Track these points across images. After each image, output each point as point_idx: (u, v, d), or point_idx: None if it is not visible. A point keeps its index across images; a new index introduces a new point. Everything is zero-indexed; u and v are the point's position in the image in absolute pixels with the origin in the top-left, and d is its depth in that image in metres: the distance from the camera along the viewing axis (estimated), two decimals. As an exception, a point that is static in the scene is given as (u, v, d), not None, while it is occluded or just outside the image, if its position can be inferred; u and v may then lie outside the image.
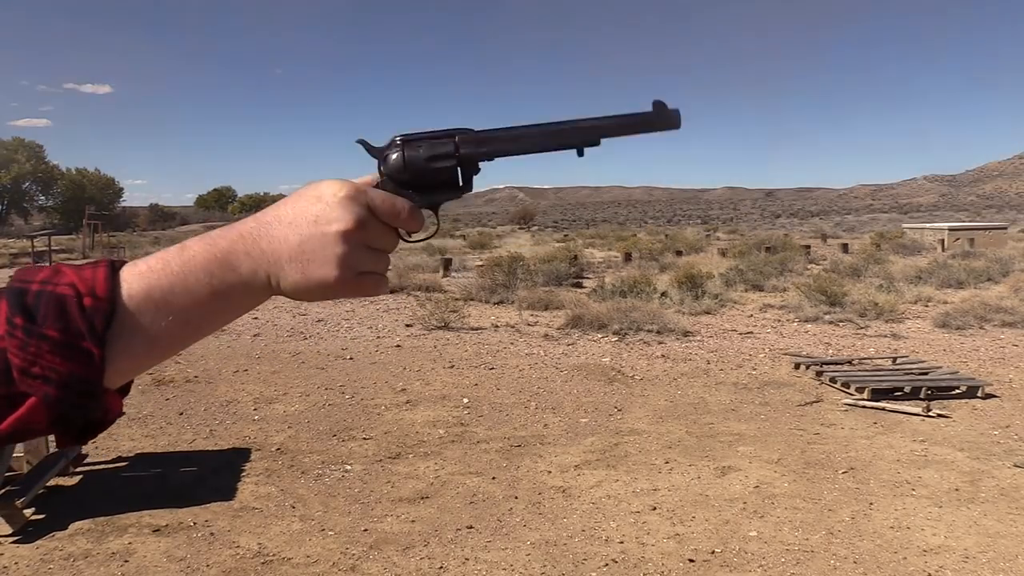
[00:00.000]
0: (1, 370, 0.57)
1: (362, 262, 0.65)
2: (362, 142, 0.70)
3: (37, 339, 0.57)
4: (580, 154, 0.72)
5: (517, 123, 0.71)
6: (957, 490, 4.69)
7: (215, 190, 64.83)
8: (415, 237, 0.70)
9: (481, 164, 0.71)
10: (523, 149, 0.71)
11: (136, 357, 0.61)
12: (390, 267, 0.68)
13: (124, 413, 0.65)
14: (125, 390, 0.65)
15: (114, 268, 0.62)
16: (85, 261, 0.64)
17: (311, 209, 0.63)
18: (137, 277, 0.61)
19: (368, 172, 0.71)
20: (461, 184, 0.71)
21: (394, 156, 0.69)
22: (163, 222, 51.16)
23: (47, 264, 0.64)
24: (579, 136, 0.72)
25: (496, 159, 0.71)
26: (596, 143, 0.72)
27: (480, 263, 16.96)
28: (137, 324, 0.60)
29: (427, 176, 0.69)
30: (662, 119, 0.72)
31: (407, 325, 10.65)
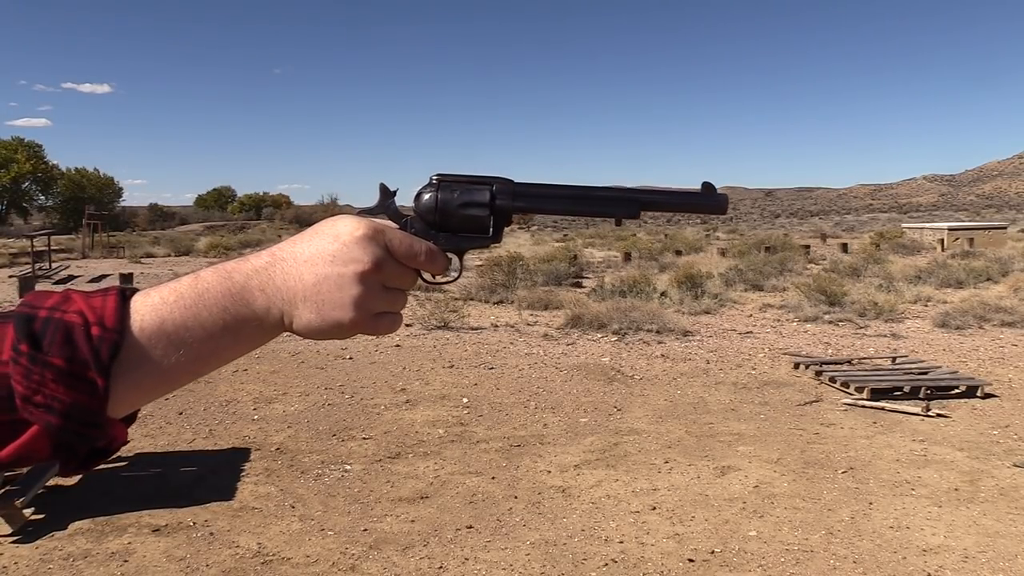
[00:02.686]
0: (4, 397, 0.56)
1: (378, 303, 0.64)
2: (382, 187, 0.69)
3: (42, 367, 0.56)
4: (618, 224, 0.71)
5: (556, 180, 0.69)
6: (957, 490, 4.69)
7: (215, 190, 64.79)
8: (437, 279, 0.69)
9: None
10: (560, 210, 0.69)
11: (143, 389, 0.61)
12: (407, 305, 0.67)
13: (128, 442, 0.64)
14: (131, 419, 0.64)
15: (124, 297, 0.61)
16: (95, 288, 0.63)
17: (328, 248, 0.62)
18: (150, 310, 0.60)
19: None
20: (491, 234, 0.69)
21: (427, 196, 0.67)
22: (163, 222, 51.14)
23: (56, 290, 0.63)
24: (621, 208, 0.69)
25: (531, 215, 0.69)
26: (636, 216, 0.69)
27: (480, 263, 16.97)
28: (147, 357, 0.59)
29: (456, 221, 0.67)
30: (709, 203, 0.70)
31: (407, 325, 10.65)
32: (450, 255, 0.69)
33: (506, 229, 0.70)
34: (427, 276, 0.69)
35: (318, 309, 0.62)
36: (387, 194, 0.69)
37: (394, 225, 0.67)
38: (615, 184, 0.72)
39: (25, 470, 4.57)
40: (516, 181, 0.69)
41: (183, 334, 0.60)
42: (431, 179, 0.68)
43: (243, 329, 0.62)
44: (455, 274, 0.69)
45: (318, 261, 0.62)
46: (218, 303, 0.61)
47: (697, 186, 0.70)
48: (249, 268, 0.63)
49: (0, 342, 0.57)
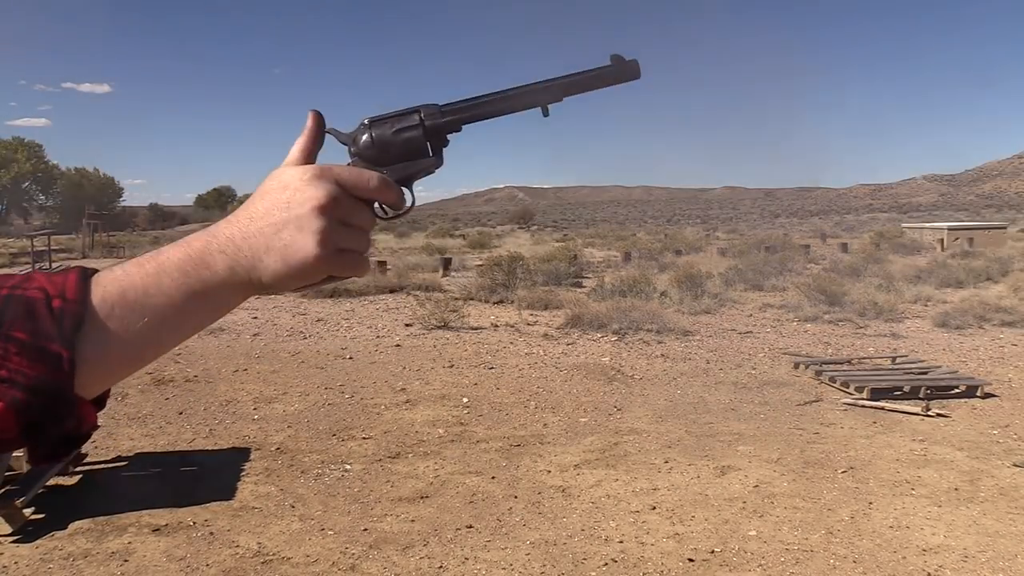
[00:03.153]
0: None
1: (340, 238, 0.64)
2: (331, 131, 0.70)
3: (4, 341, 0.55)
4: (545, 113, 0.73)
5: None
6: (956, 489, 4.69)
7: (215, 190, 64.78)
8: (392, 212, 0.70)
9: (452, 137, 0.71)
10: (487, 113, 0.71)
11: (110, 362, 0.60)
12: (371, 248, 0.68)
13: (99, 426, 0.64)
14: (101, 403, 0.64)
15: (85, 274, 0.61)
16: (57, 268, 0.63)
17: (281, 197, 0.63)
18: (111, 281, 0.60)
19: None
20: (431, 155, 0.71)
21: (363, 137, 0.70)
22: (163, 222, 51.14)
23: (30, 270, 0.63)
24: (543, 96, 0.72)
25: (464, 127, 0.71)
26: (559, 100, 0.72)
27: (480, 263, 16.97)
28: (110, 327, 0.59)
29: (395, 149, 0.69)
30: (622, 71, 0.73)
31: (407, 325, 10.65)
32: (400, 185, 0.70)
33: (445, 150, 0.72)
34: (382, 212, 0.69)
35: (283, 256, 0.62)
36: (344, 134, 0.71)
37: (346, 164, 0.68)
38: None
39: (25, 470, 4.57)
40: (442, 103, 0.71)
41: (145, 301, 0.60)
42: (362, 122, 0.70)
43: (207, 292, 0.62)
44: (408, 202, 0.70)
45: (274, 211, 0.62)
46: (179, 268, 0.61)
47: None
48: (207, 235, 0.63)
49: None
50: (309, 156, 0.68)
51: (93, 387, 0.60)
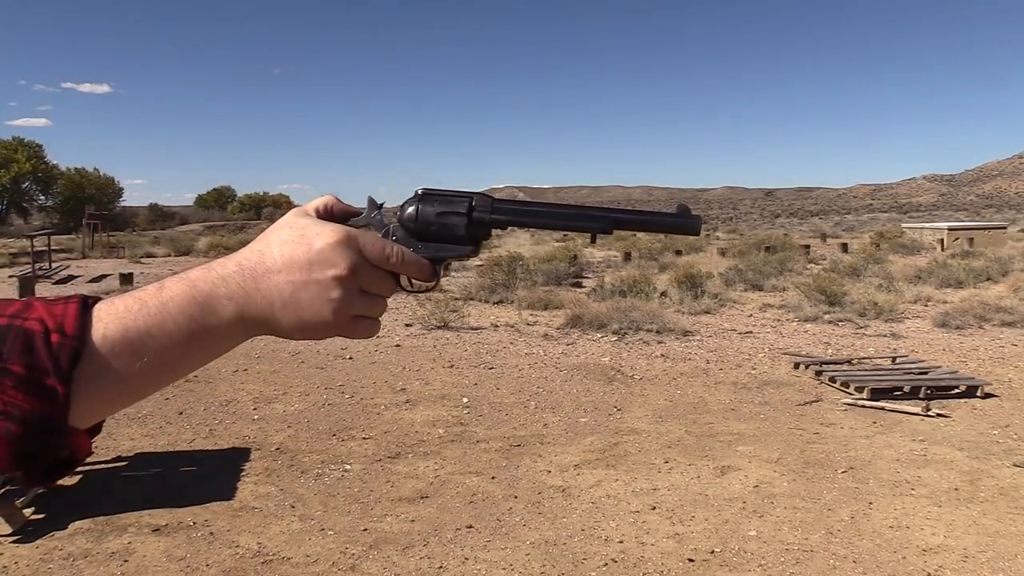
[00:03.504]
0: None
1: (356, 306, 0.65)
2: (370, 199, 0.71)
3: (0, 374, 0.56)
4: (593, 240, 0.74)
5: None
6: (956, 489, 4.69)
7: (215, 190, 64.74)
8: (418, 286, 0.71)
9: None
10: (536, 225, 0.71)
11: (106, 397, 0.60)
12: (386, 310, 0.68)
13: (93, 452, 0.64)
14: (96, 430, 0.64)
15: (86, 305, 0.61)
16: (57, 297, 0.63)
17: (302, 255, 0.63)
18: (113, 318, 0.60)
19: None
20: (468, 244, 0.71)
21: (410, 208, 0.70)
22: (163, 222, 51.10)
23: (31, 298, 0.63)
24: (594, 224, 0.72)
25: (509, 228, 0.71)
26: (609, 232, 0.72)
27: (480, 263, 16.97)
28: (109, 365, 0.59)
29: (434, 229, 0.70)
30: (683, 224, 0.72)
31: (407, 325, 10.65)
32: (430, 263, 0.70)
33: (484, 243, 0.72)
34: (406, 283, 0.70)
35: (297, 314, 0.63)
36: (374, 206, 0.71)
37: (375, 234, 0.69)
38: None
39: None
40: (496, 197, 0.72)
41: (147, 342, 0.60)
42: (416, 192, 0.71)
43: (209, 337, 0.62)
44: (433, 284, 0.71)
45: (293, 268, 0.63)
46: (183, 311, 0.61)
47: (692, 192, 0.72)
48: (215, 277, 0.63)
49: None
50: (332, 215, 0.68)
51: (87, 419, 0.61)
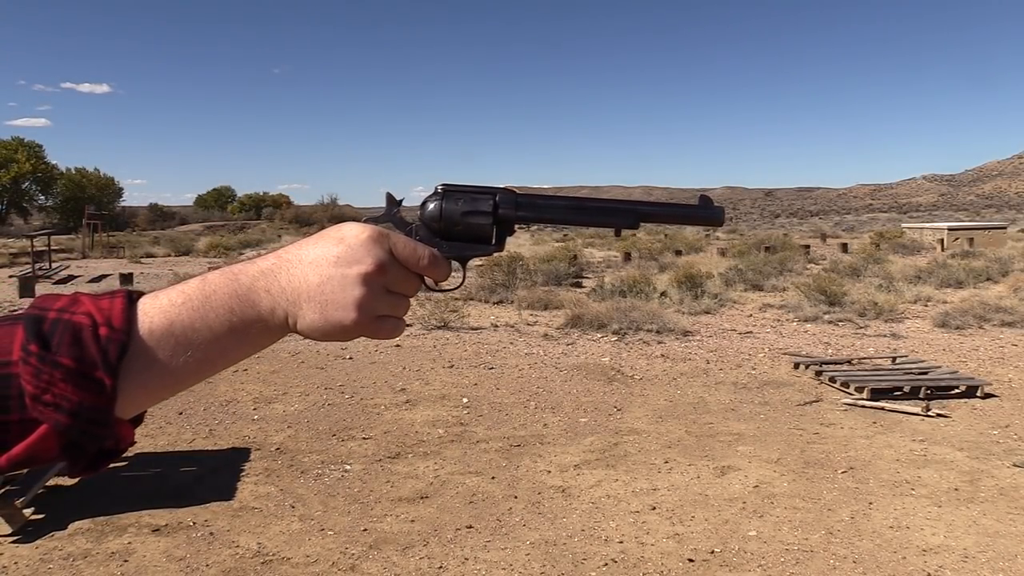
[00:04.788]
0: (14, 396, 0.57)
1: (381, 306, 0.65)
2: (389, 196, 0.71)
3: (51, 367, 0.57)
4: (617, 234, 0.75)
5: (559, 191, 0.71)
6: (956, 490, 4.69)
7: (214, 190, 64.75)
8: (441, 286, 0.70)
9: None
10: (561, 220, 0.71)
11: (150, 390, 0.62)
12: (409, 310, 0.68)
13: (136, 442, 0.65)
14: (138, 420, 0.65)
15: (131, 299, 0.62)
16: (103, 292, 0.64)
17: (333, 250, 0.63)
18: (159, 312, 0.61)
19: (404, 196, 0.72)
20: (494, 243, 0.70)
21: (432, 205, 0.69)
22: (163, 221, 51.11)
23: (65, 292, 0.64)
24: (619, 218, 0.72)
25: (533, 225, 0.71)
26: (635, 227, 0.72)
27: (480, 263, 16.97)
28: (155, 358, 0.61)
29: (460, 229, 0.69)
30: (706, 215, 0.73)
31: (407, 325, 10.64)
32: (453, 262, 0.70)
33: (509, 238, 0.72)
34: (430, 282, 0.70)
35: (322, 310, 0.63)
36: (393, 203, 0.71)
37: (405, 236, 0.68)
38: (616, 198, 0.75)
39: (26, 470, 4.57)
40: (519, 192, 0.71)
41: (191, 335, 0.61)
42: (436, 188, 0.70)
43: (249, 330, 0.63)
44: (458, 281, 0.71)
45: (323, 263, 0.63)
46: (225, 305, 0.62)
47: (696, 190, 0.72)
48: (255, 270, 0.64)
49: (10, 343, 0.58)
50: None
51: (132, 410, 0.62)
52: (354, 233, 0.64)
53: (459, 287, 0.72)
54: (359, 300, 0.63)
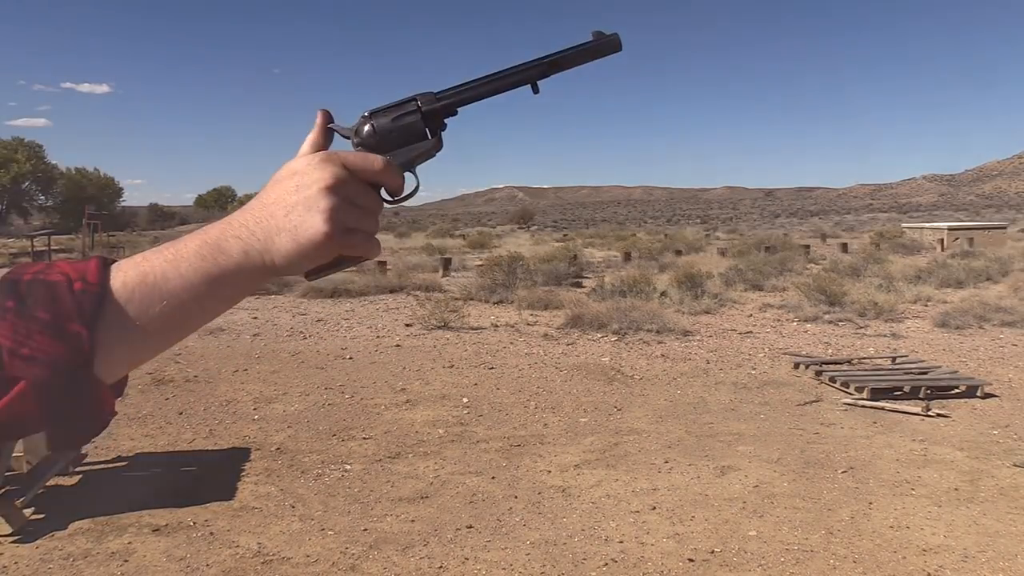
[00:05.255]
0: None
1: (349, 217, 0.65)
2: (336, 127, 0.73)
3: (27, 320, 0.58)
4: (535, 90, 0.76)
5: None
6: (956, 489, 4.69)
7: (214, 190, 64.85)
8: (397, 196, 0.72)
9: (450, 125, 0.75)
10: (480, 95, 0.74)
11: (129, 344, 0.62)
12: (378, 229, 0.70)
13: (117, 413, 0.65)
14: (119, 390, 0.66)
15: (106, 262, 0.64)
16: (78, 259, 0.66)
17: (290, 183, 0.65)
18: (132, 265, 0.63)
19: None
20: (430, 137, 0.74)
21: (365, 127, 0.73)
22: (162, 222, 51.11)
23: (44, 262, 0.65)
24: (530, 73, 0.75)
25: (459, 109, 0.74)
26: (547, 75, 0.75)
27: (480, 263, 16.97)
28: (130, 310, 0.61)
29: (395, 135, 0.72)
30: (603, 45, 0.76)
31: (407, 325, 10.65)
32: (403, 170, 0.73)
33: (444, 134, 0.75)
34: (388, 196, 0.72)
35: (293, 235, 0.64)
36: (329, 120, 0.74)
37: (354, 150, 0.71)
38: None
39: (25, 470, 4.57)
40: (436, 91, 0.75)
41: (162, 284, 0.62)
42: (362, 115, 0.74)
43: (223, 276, 0.64)
44: (412, 185, 0.73)
45: (284, 195, 0.65)
46: (196, 253, 0.63)
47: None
48: (222, 223, 0.66)
49: None
50: (318, 150, 0.70)
51: (112, 370, 0.63)
52: (304, 160, 0.66)
53: (415, 192, 0.74)
54: (326, 211, 0.63)
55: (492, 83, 0.75)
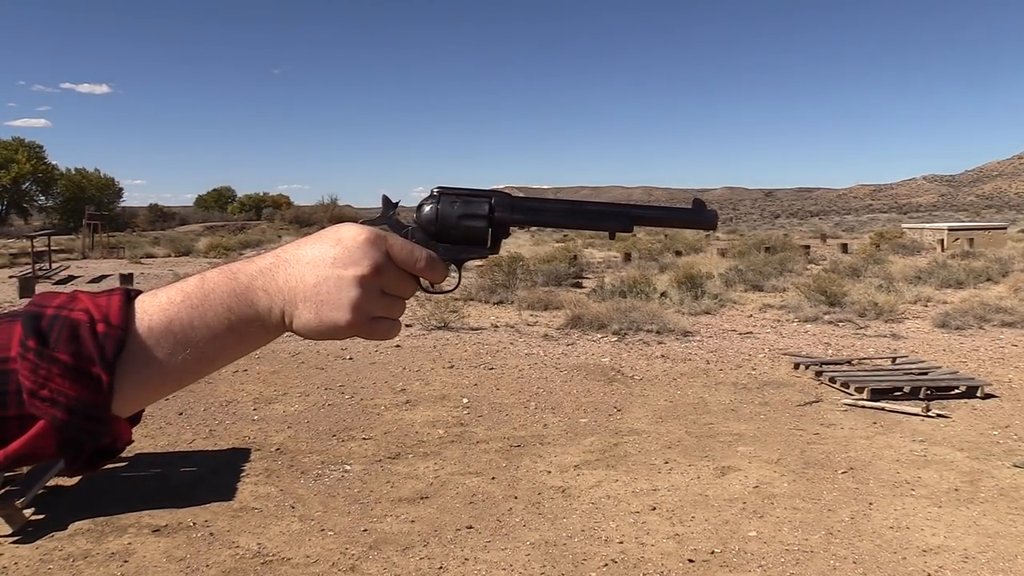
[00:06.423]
0: (12, 392, 0.58)
1: (376, 308, 0.65)
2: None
3: (48, 362, 0.57)
4: (612, 237, 0.74)
5: (559, 191, 0.71)
6: (956, 490, 4.69)
7: (214, 190, 64.74)
8: (436, 288, 0.70)
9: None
10: (556, 223, 0.71)
11: (149, 387, 0.62)
12: (405, 312, 0.68)
13: (133, 441, 0.65)
14: (136, 419, 0.65)
15: (129, 297, 0.62)
16: (101, 290, 0.64)
17: (330, 251, 0.64)
18: (158, 309, 0.62)
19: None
20: (489, 245, 0.71)
21: (428, 208, 0.69)
22: (163, 222, 51.08)
23: (64, 290, 0.64)
24: (613, 221, 0.72)
25: (528, 227, 0.72)
26: (629, 230, 0.72)
27: (480, 263, 16.96)
28: (153, 355, 0.61)
29: (456, 232, 0.69)
30: (699, 219, 0.73)
31: (407, 325, 10.64)
32: (449, 264, 0.70)
33: (504, 241, 0.72)
34: (426, 284, 0.70)
35: (317, 310, 0.63)
36: (389, 205, 0.71)
37: (402, 238, 0.68)
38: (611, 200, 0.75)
39: (25, 470, 4.57)
40: (514, 195, 0.71)
41: (189, 333, 0.61)
42: (432, 191, 0.70)
43: (247, 329, 0.63)
44: (454, 283, 0.71)
45: (320, 263, 0.63)
46: (223, 303, 0.62)
47: (691, 195, 0.73)
48: (254, 269, 0.64)
49: (8, 339, 0.59)
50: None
51: (129, 408, 0.62)
52: (352, 234, 0.64)
53: (455, 289, 0.72)
54: (354, 301, 0.63)
55: (573, 216, 0.71)
